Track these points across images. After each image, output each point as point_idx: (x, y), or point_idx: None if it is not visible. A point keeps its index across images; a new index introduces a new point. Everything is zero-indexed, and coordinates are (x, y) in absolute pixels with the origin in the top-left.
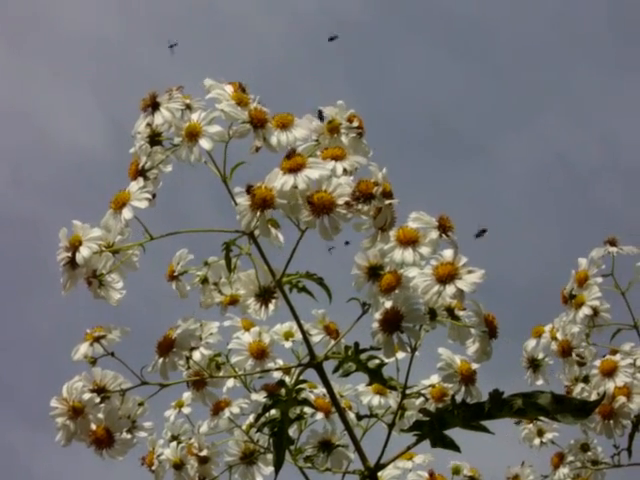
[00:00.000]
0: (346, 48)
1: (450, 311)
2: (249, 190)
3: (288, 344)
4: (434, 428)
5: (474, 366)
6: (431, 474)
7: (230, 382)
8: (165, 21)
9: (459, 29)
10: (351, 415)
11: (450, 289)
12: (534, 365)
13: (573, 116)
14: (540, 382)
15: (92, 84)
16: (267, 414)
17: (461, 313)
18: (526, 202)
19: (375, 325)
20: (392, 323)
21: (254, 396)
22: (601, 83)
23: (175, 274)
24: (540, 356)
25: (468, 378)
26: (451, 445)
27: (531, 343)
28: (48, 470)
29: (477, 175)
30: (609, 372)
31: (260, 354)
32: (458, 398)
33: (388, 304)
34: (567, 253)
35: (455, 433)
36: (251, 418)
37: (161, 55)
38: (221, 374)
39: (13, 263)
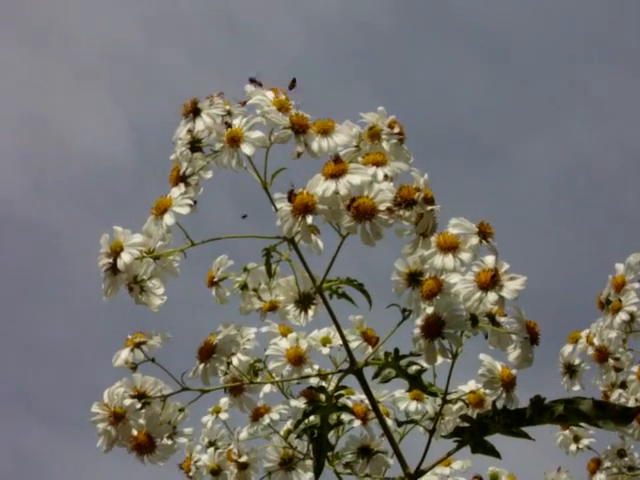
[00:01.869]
0: (366, 51)
1: (491, 317)
2: (291, 196)
3: (325, 350)
4: (475, 434)
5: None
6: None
7: (267, 388)
8: (184, 25)
9: (480, 31)
10: (389, 421)
11: (492, 296)
12: (571, 371)
13: (595, 119)
14: (577, 388)
15: (112, 90)
16: (306, 420)
17: (502, 319)
18: (547, 206)
19: (417, 331)
20: (434, 329)
21: (293, 402)
22: (623, 87)
23: (215, 280)
24: (577, 362)
25: (509, 384)
26: (492, 451)
27: (568, 349)
28: (67, 473)
29: (497, 179)
30: None
31: (297, 360)
32: (499, 404)
33: (429, 310)
34: (589, 258)
35: (491, 439)
36: (289, 424)
37: (180, 60)
38: (258, 380)
39: (32, 268)
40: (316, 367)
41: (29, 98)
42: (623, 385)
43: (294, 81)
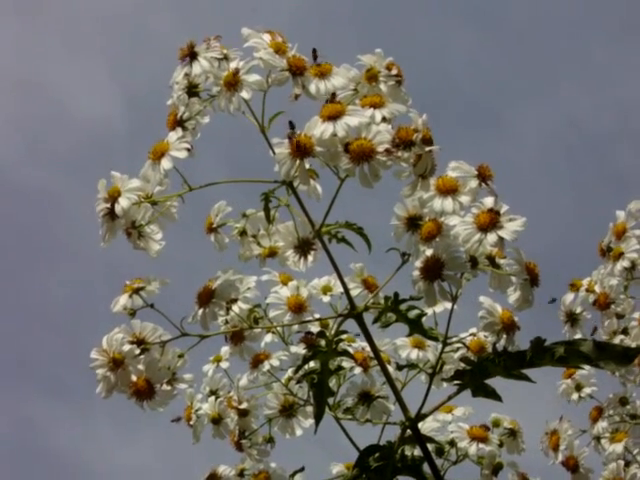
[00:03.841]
0: (358, 12)
1: (491, 259)
2: (291, 136)
3: (326, 298)
4: (475, 377)
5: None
6: (486, 427)
7: (268, 337)
8: None
9: None
10: (390, 368)
11: (491, 237)
12: (572, 319)
13: (587, 81)
14: (578, 336)
15: (106, 54)
16: (307, 365)
17: (502, 261)
18: (540, 168)
19: (416, 273)
20: (433, 271)
21: (293, 348)
22: (615, 47)
23: (214, 226)
24: (578, 310)
25: (510, 326)
26: (492, 394)
27: (569, 297)
28: (66, 441)
29: (490, 142)
30: None
31: (298, 308)
32: (499, 348)
33: (429, 252)
34: (582, 218)
35: (494, 387)
36: (290, 372)
37: (174, 25)
38: (259, 327)
39: (28, 233)
40: (317, 316)
41: (23, 64)
42: (625, 332)
43: (315, 51)
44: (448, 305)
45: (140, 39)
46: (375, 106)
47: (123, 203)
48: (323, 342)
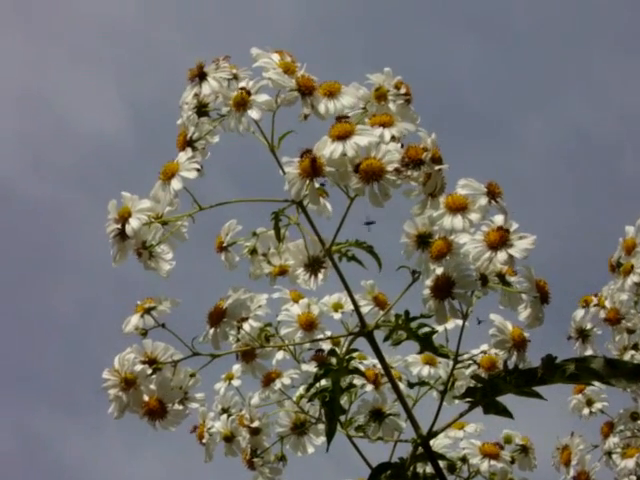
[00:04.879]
0: (363, 25)
1: (501, 277)
2: (304, 155)
3: (337, 315)
4: (486, 394)
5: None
6: (500, 446)
7: (280, 354)
8: (182, 4)
9: (479, 6)
10: (402, 385)
11: (501, 255)
12: (583, 335)
13: (592, 92)
14: (589, 352)
15: (112, 69)
16: (318, 384)
17: (512, 279)
18: (546, 179)
19: (426, 292)
20: (443, 289)
21: (304, 367)
22: (619, 59)
23: (224, 245)
24: (588, 326)
25: (520, 344)
26: (504, 412)
27: (579, 313)
28: (75, 456)
29: (497, 153)
30: None
31: (309, 325)
32: (510, 365)
33: (439, 271)
34: (588, 228)
35: (504, 403)
36: (301, 389)
37: (177, 37)
38: (270, 345)
39: (35, 247)
40: (328, 333)
41: (28, 78)
42: (635, 347)
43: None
44: (459, 322)
45: (147, 55)
46: (384, 125)
47: (134, 224)
48: (334, 360)
